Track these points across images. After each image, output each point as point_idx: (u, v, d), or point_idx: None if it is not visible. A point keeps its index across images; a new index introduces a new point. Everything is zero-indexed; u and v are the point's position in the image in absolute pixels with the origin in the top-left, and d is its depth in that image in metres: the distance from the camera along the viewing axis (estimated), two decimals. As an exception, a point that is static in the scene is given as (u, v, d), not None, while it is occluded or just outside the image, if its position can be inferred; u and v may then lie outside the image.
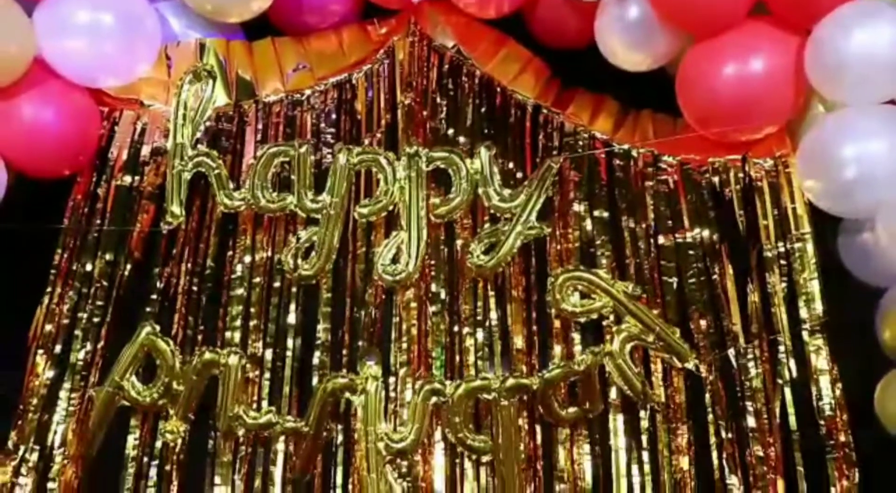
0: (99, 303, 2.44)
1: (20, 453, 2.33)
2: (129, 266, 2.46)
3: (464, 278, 2.43)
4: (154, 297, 2.44)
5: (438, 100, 2.51)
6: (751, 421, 2.26)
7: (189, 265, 2.47)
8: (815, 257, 2.30)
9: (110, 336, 2.42)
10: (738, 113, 2.29)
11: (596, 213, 2.43)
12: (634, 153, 2.47)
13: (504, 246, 2.39)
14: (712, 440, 2.28)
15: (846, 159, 2.21)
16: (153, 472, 2.36)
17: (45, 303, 2.45)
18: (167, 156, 2.49)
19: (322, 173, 2.45)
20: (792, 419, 2.24)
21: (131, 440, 2.38)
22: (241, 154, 2.52)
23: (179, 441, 2.37)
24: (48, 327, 2.42)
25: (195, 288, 2.46)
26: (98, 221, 2.49)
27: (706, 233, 2.39)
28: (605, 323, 2.36)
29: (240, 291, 2.44)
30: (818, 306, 2.27)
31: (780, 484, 2.21)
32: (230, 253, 2.48)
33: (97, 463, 2.37)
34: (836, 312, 2.28)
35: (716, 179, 2.42)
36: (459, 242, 2.45)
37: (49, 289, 2.45)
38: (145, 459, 2.37)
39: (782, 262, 2.32)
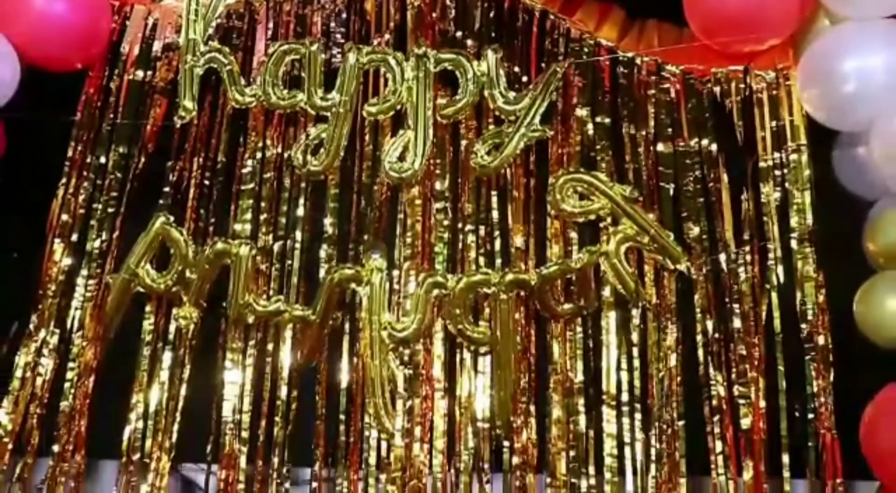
0: (113, 194, 2.52)
1: (41, 335, 2.44)
2: (142, 159, 2.53)
3: (467, 177, 2.51)
4: (167, 189, 2.52)
5: (447, 2, 2.54)
6: (737, 323, 2.36)
7: (201, 159, 2.54)
8: (808, 168, 2.37)
9: (125, 226, 2.52)
10: (743, 23, 2.32)
11: (598, 118, 2.50)
12: (638, 61, 2.52)
13: (507, 147, 2.46)
14: (699, 339, 2.38)
15: (845, 72, 2.26)
16: (167, 356, 2.47)
17: (60, 194, 2.52)
18: (179, 51, 2.53)
19: (332, 72, 2.50)
20: (776, 322, 2.34)
21: (146, 325, 2.49)
22: (251, 52, 2.57)
23: (192, 327, 2.47)
24: (64, 217, 2.50)
25: (207, 182, 2.54)
26: (111, 115, 2.54)
27: (704, 142, 2.46)
28: (602, 224, 2.45)
29: (250, 185, 2.52)
30: (808, 217, 2.35)
31: (761, 382, 2.32)
32: (241, 148, 2.54)
33: (114, 346, 2.48)
34: (826, 222, 2.36)
35: (717, 90, 2.47)
36: (464, 143, 2.52)
37: (64, 180, 2.53)
38: (159, 343, 2.48)
39: (776, 173, 2.40)
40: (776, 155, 2.40)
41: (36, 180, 2.57)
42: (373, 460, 2.40)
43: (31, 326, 2.44)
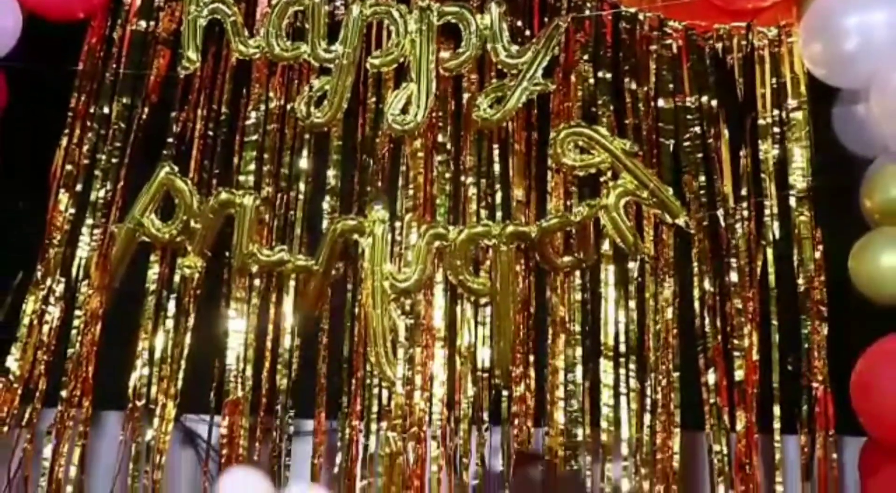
0: (117, 144, 2.53)
1: (47, 283, 2.47)
2: (145, 110, 2.54)
3: (469, 130, 2.54)
4: (170, 140, 2.54)
5: (451, -44, 2.54)
6: (733, 277, 2.41)
7: (204, 111, 2.55)
8: (807, 126, 2.40)
9: (129, 176, 2.53)
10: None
11: (599, 73, 2.51)
12: (641, 17, 2.53)
13: (510, 101, 2.48)
14: (696, 292, 2.43)
15: (847, 28, 2.28)
16: (171, 304, 2.50)
17: (63, 144, 2.53)
18: (182, 2, 2.53)
19: (335, 24, 2.51)
20: (771, 277, 2.38)
21: (151, 274, 2.51)
22: (254, 3, 2.57)
23: (196, 276, 2.50)
24: (68, 167, 2.52)
25: (210, 133, 2.55)
26: (114, 66, 2.55)
27: (705, 98, 2.48)
28: (602, 178, 2.47)
29: (254, 136, 2.53)
30: (806, 173, 2.38)
31: (755, 335, 2.37)
32: (244, 100, 2.56)
33: (119, 295, 2.50)
34: (824, 180, 2.39)
35: (719, 46, 2.49)
36: (466, 96, 2.54)
37: (67, 130, 2.54)
38: (164, 292, 2.51)
39: (776, 129, 2.43)
40: (776, 112, 2.43)
41: (39, 130, 2.59)
42: (374, 408, 2.45)
43: (38, 274, 2.46)
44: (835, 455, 2.33)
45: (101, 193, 2.51)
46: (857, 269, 2.27)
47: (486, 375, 2.45)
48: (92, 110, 2.55)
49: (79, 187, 2.52)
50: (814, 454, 2.34)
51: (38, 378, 2.43)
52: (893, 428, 2.13)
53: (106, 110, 2.55)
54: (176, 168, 2.49)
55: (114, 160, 2.53)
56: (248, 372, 2.45)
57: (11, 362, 2.42)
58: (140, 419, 2.43)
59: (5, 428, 2.37)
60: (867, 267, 2.26)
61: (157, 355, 2.47)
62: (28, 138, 2.57)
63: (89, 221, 2.51)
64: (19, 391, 2.40)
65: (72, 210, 2.51)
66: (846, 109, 2.46)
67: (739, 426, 2.36)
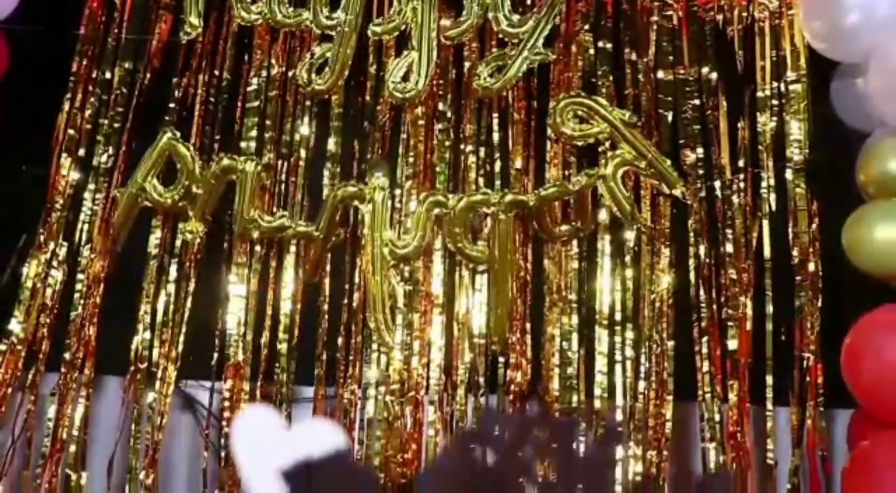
0: (119, 109, 2.55)
1: (50, 247, 2.49)
2: (147, 75, 2.56)
3: (469, 98, 2.55)
4: (172, 106, 2.55)
5: (453, -77, 2.55)
6: (728, 247, 2.43)
7: (206, 77, 2.56)
8: (806, 99, 2.41)
9: (131, 142, 2.55)
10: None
11: (600, 44, 2.53)
12: (641, -13, 2.54)
13: (510, 70, 2.49)
14: (691, 262, 2.45)
15: (847, 2, 2.29)
16: (173, 269, 2.53)
17: (65, 109, 2.55)
18: (184, -33, 2.53)
19: (337, -10, 2.52)
20: (766, 249, 2.41)
21: (153, 238, 2.54)
22: (257, -31, 2.57)
23: (198, 241, 2.52)
24: (70, 132, 2.53)
25: (212, 99, 2.57)
26: (116, 30, 2.56)
27: (704, 70, 2.49)
28: (600, 148, 2.49)
29: (255, 103, 2.55)
30: (804, 146, 2.40)
31: (749, 306, 2.40)
32: (246, 66, 2.57)
33: (121, 259, 2.53)
34: (821, 153, 2.41)
35: (719, 17, 2.50)
36: (467, 65, 2.55)
37: (69, 95, 2.55)
38: (166, 256, 2.54)
39: (774, 102, 2.44)
40: (774, 85, 2.44)
41: (41, 95, 2.60)
42: (373, 372, 2.49)
43: (41, 238, 2.48)
44: (824, 424, 2.37)
45: (104, 158, 2.53)
46: (850, 241, 2.29)
47: (483, 341, 2.48)
48: (94, 75, 2.57)
49: (81, 152, 2.54)
50: (804, 423, 2.38)
51: (41, 341, 2.46)
52: (881, 398, 2.16)
53: (108, 75, 2.56)
54: (178, 134, 2.51)
55: (116, 125, 2.54)
56: (249, 337, 2.48)
57: (14, 325, 2.45)
58: (142, 382, 2.47)
59: (9, 390, 2.41)
60: (860, 240, 2.27)
61: (159, 318, 2.50)
62: (30, 103, 2.58)
63: (91, 186, 2.53)
64: (22, 354, 2.43)
65: (74, 175, 2.53)
66: (845, 82, 2.47)
67: (732, 396, 2.39)
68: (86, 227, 2.52)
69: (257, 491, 0.45)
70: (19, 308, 2.45)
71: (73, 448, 2.41)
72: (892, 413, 2.15)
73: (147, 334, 2.49)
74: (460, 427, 2.42)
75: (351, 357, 2.50)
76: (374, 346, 2.47)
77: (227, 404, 2.45)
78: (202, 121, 2.57)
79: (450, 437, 2.40)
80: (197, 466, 2.51)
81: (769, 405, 2.40)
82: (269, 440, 0.47)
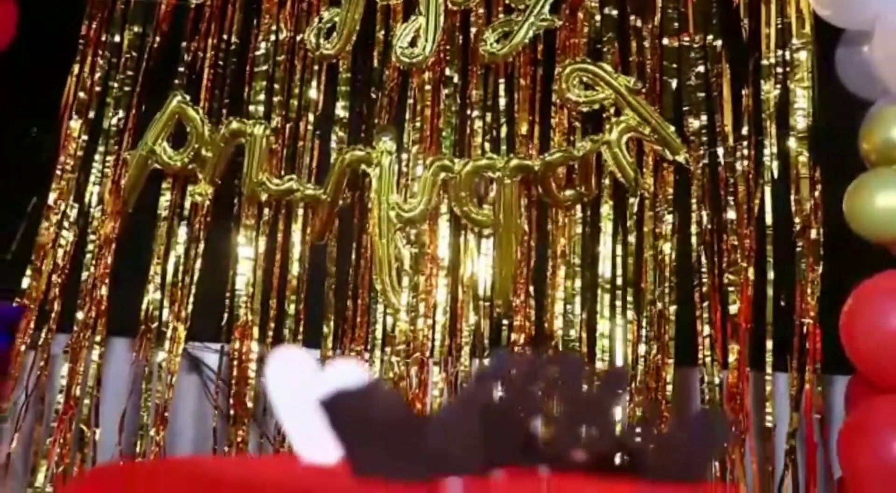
0: (129, 73, 2.57)
1: (61, 208, 2.52)
2: (157, 39, 2.58)
3: (476, 64, 2.57)
4: (181, 69, 2.58)
5: None
6: (731, 214, 2.46)
7: (215, 41, 2.58)
8: (810, 66, 2.42)
9: (141, 105, 2.57)
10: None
11: (606, 10, 2.54)
12: (648, -46, 2.55)
13: (516, 36, 2.51)
14: (693, 228, 2.48)
15: (853, -32, 2.30)
16: (182, 230, 2.57)
17: (75, 71, 2.57)
18: (194, -70, 2.54)
19: (346, -44, 2.53)
20: (768, 216, 2.43)
21: (163, 200, 2.57)
22: (266, -67, 2.58)
23: (207, 203, 2.56)
24: (81, 95, 2.56)
25: (221, 63, 2.59)
26: (125, -7, 2.58)
27: (709, 37, 2.50)
28: (605, 114, 2.51)
29: (264, 67, 2.57)
30: (807, 114, 2.42)
31: (751, 271, 2.43)
32: (254, 30, 2.59)
33: (131, 220, 2.57)
34: (826, 121, 2.42)
35: (725, -16, 2.51)
36: (474, 30, 2.57)
37: (78, 58, 2.57)
38: (175, 218, 2.57)
39: (778, 70, 2.45)
40: (779, 52, 2.45)
41: (51, 57, 2.62)
42: (379, 334, 2.53)
43: (51, 200, 2.52)
44: (819, 388, 2.40)
45: (114, 121, 2.56)
46: (851, 208, 2.30)
47: (487, 304, 2.52)
48: (103, 38, 2.58)
49: (91, 115, 2.57)
50: (802, 388, 2.41)
51: (53, 301, 2.50)
52: (878, 363, 2.19)
53: (117, 39, 2.58)
54: (188, 97, 2.54)
55: (126, 88, 2.57)
56: (257, 298, 2.52)
57: (26, 284, 2.48)
58: (152, 342, 2.51)
59: (22, 348, 2.45)
60: (861, 207, 2.29)
61: (169, 279, 2.54)
62: (40, 65, 2.60)
63: (101, 149, 2.56)
64: (35, 314, 2.47)
65: (84, 137, 2.56)
66: (850, 50, 2.47)
67: (732, 359, 2.43)
68: (96, 189, 2.55)
69: (295, 430, 0.48)
70: (31, 269, 2.49)
71: (86, 403, 2.46)
72: (888, 378, 2.18)
73: (157, 295, 2.53)
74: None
75: (357, 319, 2.53)
76: (381, 307, 2.51)
77: (235, 362, 2.50)
78: (211, 84, 2.59)
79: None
80: (206, 424, 2.57)
81: (768, 370, 2.44)
82: (303, 380, 0.50)
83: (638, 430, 0.54)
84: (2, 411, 2.38)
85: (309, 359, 0.52)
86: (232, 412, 2.47)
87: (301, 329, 2.54)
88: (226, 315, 2.54)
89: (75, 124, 2.56)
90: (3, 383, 0.68)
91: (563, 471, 0.52)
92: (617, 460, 0.52)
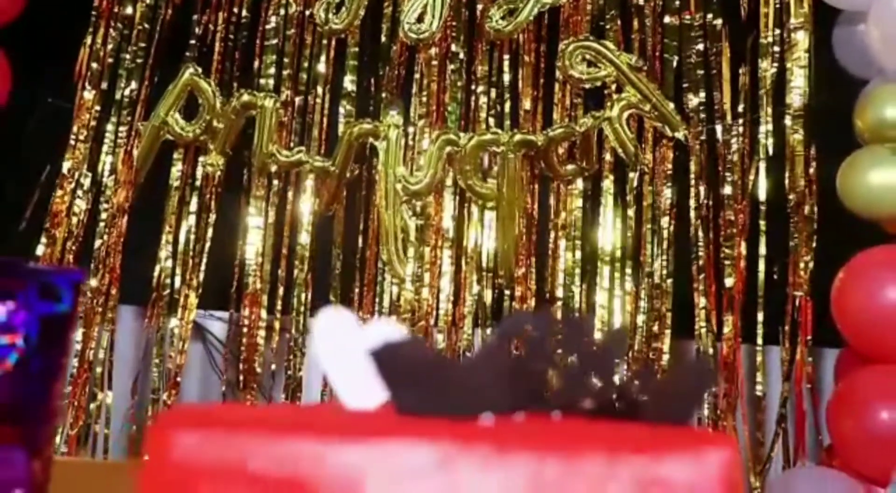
0: (142, 44, 2.62)
1: (75, 177, 2.59)
2: (169, 11, 2.63)
3: (481, 40, 2.63)
4: (193, 42, 2.63)
5: None
6: (727, 189, 2.52)
7: (226, 14, 2.64)
8: (807, 45, 2.48)
9: (153, 77, 2.63)
10: None
11: (609, -12, 2.60)
12: (651, -67, 2.60)
13: (521, 13, 2.56)
14: (691, 202, 2.55)
15: (851, -51, 2.35)
16: (194, 200, 2.63)
17: (87, 42, 2.62)
18: None
19: (355, -68, 2.58)
20: (763, 192, 2.50)
21: (174, 171, 2.64)
22: None
23: (218, 174, 2.62)
24: (94, 65, 2.62)
25: (231, 36, 2.65)
26: (137, -35, 2.62)
27: (710, 16, 2.56)
28: (606, 91, 2.58)
29: (274, 41, 2.63)
30: (803, 93, 2.48)
31: (744, 244, 2.51)
32: (265, 4, 2.64)
33: (144, 190, 2.63)
34: (822, 100, 2.48)
35: (725, -36, 2.56)
36: (480, 7, 2.62)
37: (91, 30, 2.62)
38: (187, 188, 2.64)
39: (776, 48, 2.51)
40: (777, 31, 2.51)
41: (64, 27, 2.67)
42: (385, 303, 2.60)
43: (66, 169, 2.58)
44: (810, 359, 2.48)
45: (126, 92, 2.61)
46: (844, 185, 2.37)
47: (490, 274, 2.59)
48: (115, 10, 2.64)
49: (104, 86, 2.62)
50: (794, 359, 2.49)
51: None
52: (867, 335, 2.27)
53: (129, 11, 2.63)
54: (199, 70, 2.59)
55: (138, 60, 2.62)
56: (266, 267, 2.59)
57: (41, 250, 2.55)
58: (163, 308, 2.59)
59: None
60: (854, 183, 2.35)
61: (181, 248, 2.61)
62: (53, 35, 2.66)
63: (114, 119, 2.62)
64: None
65: (97, 108, 2.62)
66: (847, 30, 2.53)
67: (726, 329, 2.51)
68: (109, 159, 2.62)
69: (340, 381, 0.55)
70: (46, 236, 2.56)
71: (98, 370, 2.54)
72: (876, 349, 2.26)
73: (169, 263, 2.60)
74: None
75: (364, 288, 2.61)
76: (387, 277, 2.58)
77: (245, 329, 2.57)
78: (222, 57, 2.65)
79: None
80: (213, 390, 2.65)
81: (759, 341, 2.51)
82: (347, 336, 0.56)
83: (636, 381, 0.62)
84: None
85: (352, 319, 0.58)
86: (241, 377, 2.54)
87: (309, 298, 2.61)
88: (236, 284, 2.60)
89: (89, 95, 2.61)
90: (67, 342, 0.73)
91: (572, 416, 0.59)
92: (617, 405, 0.59)
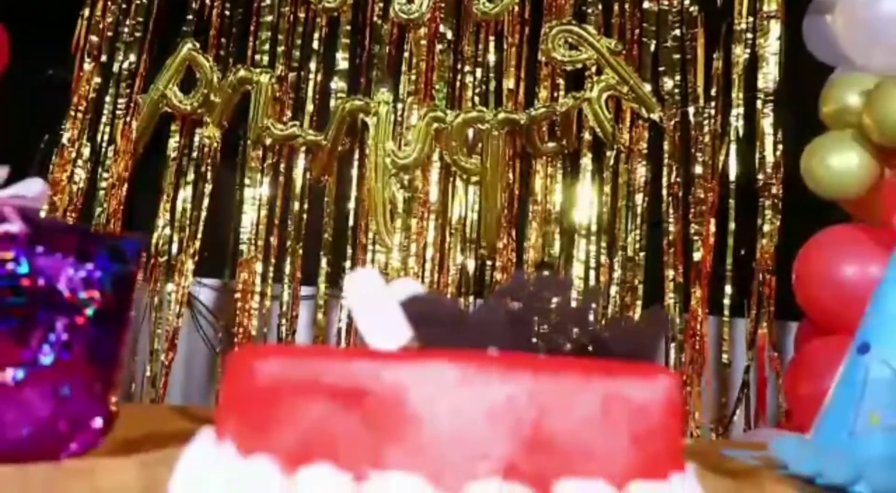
0: (140, 19, 2.72)
1: (75, 147, 2.69)
2: (166, -14, 2.73)
3: (468, 22, 2.75)
4: (190, 17, 2.74)
5: None
6: (698, 169, 2.66)
7: (222, -11, 2.74)
8: (779, 33, 2.61)
9: (151, 50, 2.73)
10: None
11: (590, -26, 2.72)
12: (632, -82, 2.72)
13: (507, -4, 2.68)
14: (664, 180, 2.69)
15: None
16: (191, 171, 2.75)
17: (85, 15, 2.71)
18: None
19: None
20: (732, 172, 2.65)
21: (172, 142, 2.74)
22: None
23: (215, 146, 2.73)
24: (93, 38, 2.71)
25: (227, 12, 2.75)
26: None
27: (686, 2, 2.69)
28: (587, 73, 2.71)
29: (269, 18, 2.73)
30: (774, 78, 2.61)
31: (713, 221, 2.65)
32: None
33: (143, 161, 2.73)
34: (792, 85, 2.62)
35: (701, -50, 2.68)
36: (468, -11, 2.74)
37: (89, 2, 2.71)
38: (184, 159, 2.75)
39: (749, 35, 2.64)
40: (750, 19, 2.64)
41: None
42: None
43: (66, 139, 2.68)
44: (773, 331, 2.63)
45: (125, 65, 2.71)
46: (807, 167, 2.50)
47: (473, 245, 2.72)
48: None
49: (104, 58, 2.72)
50: (757, 330, 2.64)
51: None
52: (822, 307, 2.41)
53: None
54: (197, 45, 2.70)
55: (136, 34, 2.72)
56: (261, 237, 2.71)
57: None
58: (161, 273, 2.70)
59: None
60: (816, 166, 2.48)
61: (178, 216, 2.72)
62: (54, 7, 2.74)
63: (113, 91, 2.71)
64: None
65: (97, 79, 2.72)
66: (816, 19, 2.64)
67: (694, 302, 2.65)
68: (108, 129, 2.72)
69: (369, 328, 0.68)
70: (48, 204, 2.65)
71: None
72: (831, 321, 2.41)
73: (167, 231, 2.71)
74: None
75: (354, 258, 2.74)
76: (375, 247, 2.71)
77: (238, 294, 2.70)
78: (218, 33, 2.75)
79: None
80: (202, 356, 2.78)
81: (726, 312, 2.67)
82: (375, 290, 0.69)
83: (606, 328, 0.76)
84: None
85: (379, 277, 0.72)
86: (236, 339, 2.67)
87: (300, 265, 2.74)
88: (232, 252, 2.72)
89: (88, 67, 2.71)
90: (132, 298, 0.86)
91: (554, 356, 0.74)
92: (590, 348, 0.74)
